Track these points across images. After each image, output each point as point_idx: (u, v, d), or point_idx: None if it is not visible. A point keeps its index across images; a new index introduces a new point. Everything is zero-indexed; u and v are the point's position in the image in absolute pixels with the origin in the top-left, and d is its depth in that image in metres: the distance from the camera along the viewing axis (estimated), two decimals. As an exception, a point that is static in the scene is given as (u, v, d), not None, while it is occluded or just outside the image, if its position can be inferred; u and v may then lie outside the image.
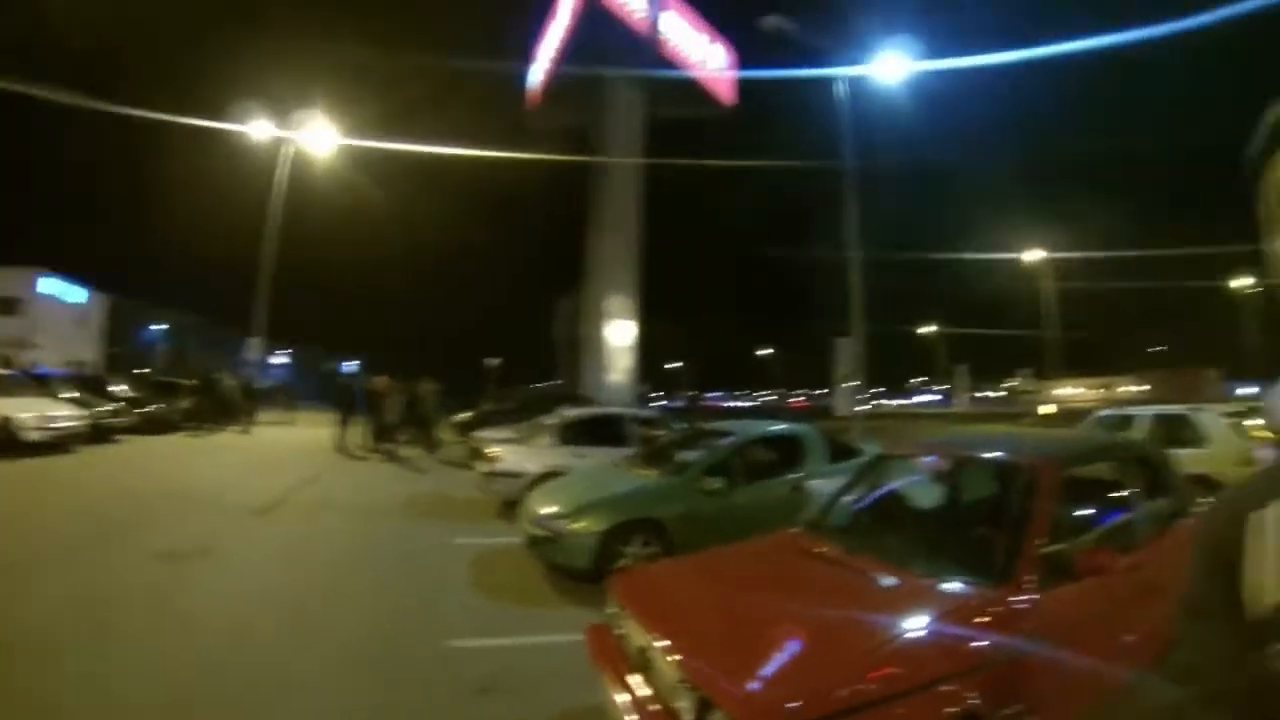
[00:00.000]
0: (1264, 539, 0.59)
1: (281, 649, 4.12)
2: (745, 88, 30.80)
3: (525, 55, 32.40)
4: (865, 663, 2.20)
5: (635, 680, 2.63)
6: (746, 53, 30.54)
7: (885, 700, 2.04)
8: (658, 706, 2.41)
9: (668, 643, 2.52)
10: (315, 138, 22.12)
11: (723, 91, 30.09)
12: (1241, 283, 37.54)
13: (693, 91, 29.04)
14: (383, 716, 3.40)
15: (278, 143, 22.36)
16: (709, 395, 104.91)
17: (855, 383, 14.26)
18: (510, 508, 8.47)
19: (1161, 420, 9.80)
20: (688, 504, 5.93)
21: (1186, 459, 7.50)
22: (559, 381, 38.54)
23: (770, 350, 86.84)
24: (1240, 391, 29.45)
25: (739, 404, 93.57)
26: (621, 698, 2.57)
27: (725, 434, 6.98)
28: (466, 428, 15.98)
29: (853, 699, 2.03)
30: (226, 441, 16.37)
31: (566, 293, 39.99)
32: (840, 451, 7.08)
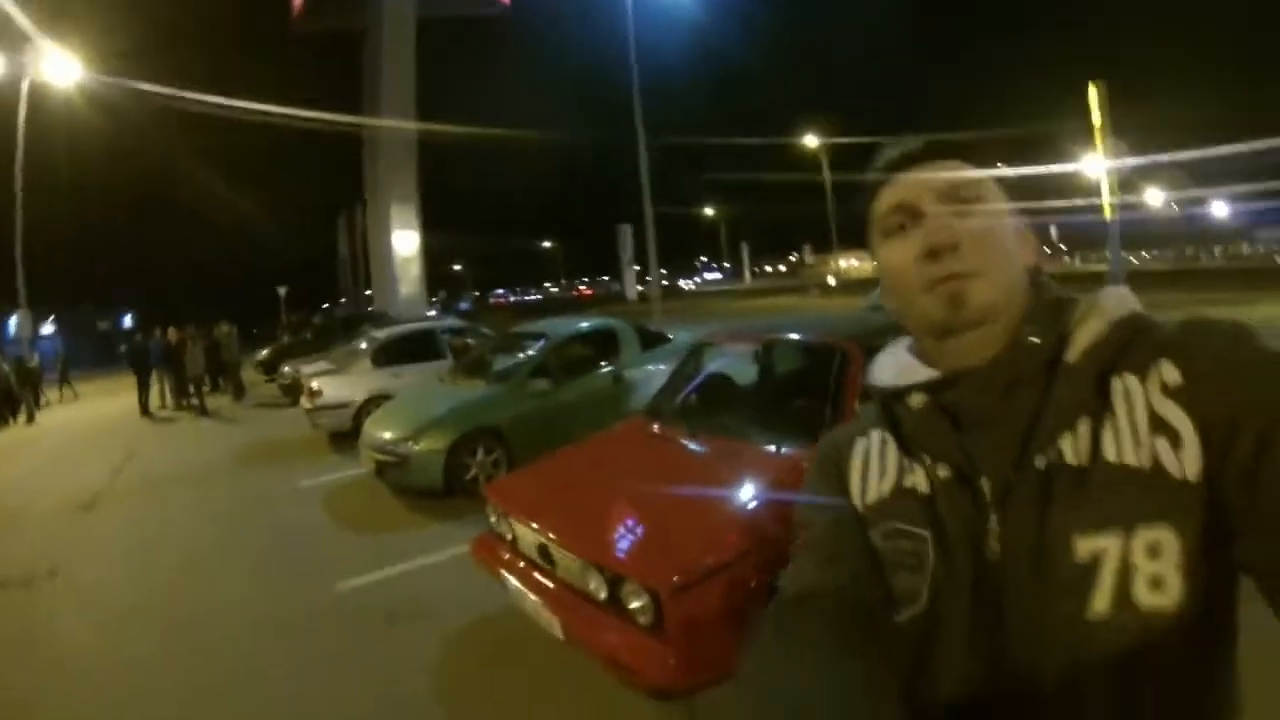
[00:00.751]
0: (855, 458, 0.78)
1: (187, 640, 3.86)
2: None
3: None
4: (738, 519, 2.67)
5: (539, 575, 2.91)
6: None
7: (763, 544, 2.49)
8: (569, 592, 2.73)
9: (563, 535, 2.82)
10: (59, 70, 17.56)
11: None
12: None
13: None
14: (315, 672, 3.38)
15: (14, 79, 17.45)
16: (495, 293, 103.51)
17: (638, 267, 14.97)
18: (341, 439, 8.33)
19: None
20: (519, 408, 6.17)
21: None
22: (347, 301, 35.82)
23: (548, 243, 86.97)
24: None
25: (526, 299, 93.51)
26: (531, 593, 2.85)
27: (538, 336, 7.17)
28: (269, 366, 15.48)
29: (736, 548, 2.47)
30: (14, 435, 13.86)
31: (348, 208, 36.79)
32: (650, 339, 7.60)
